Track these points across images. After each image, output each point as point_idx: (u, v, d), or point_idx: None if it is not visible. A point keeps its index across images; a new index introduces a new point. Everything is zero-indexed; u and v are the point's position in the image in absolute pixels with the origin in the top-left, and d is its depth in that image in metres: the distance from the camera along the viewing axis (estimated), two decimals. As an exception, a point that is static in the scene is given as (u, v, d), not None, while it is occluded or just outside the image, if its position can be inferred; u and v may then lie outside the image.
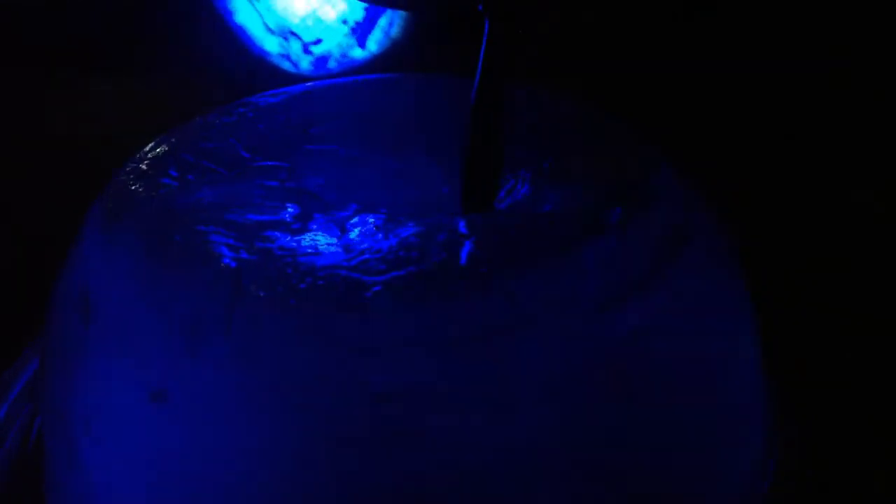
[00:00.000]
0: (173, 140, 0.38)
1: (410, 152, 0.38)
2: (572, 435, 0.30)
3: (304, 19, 0.59)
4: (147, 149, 0.38)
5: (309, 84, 0.42)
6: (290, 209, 0.34)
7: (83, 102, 0.63)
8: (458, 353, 0.29)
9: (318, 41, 0.59)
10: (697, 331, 0.33)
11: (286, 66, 0.60)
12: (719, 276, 0.35)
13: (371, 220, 0.33)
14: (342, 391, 0.28)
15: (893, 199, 0.56)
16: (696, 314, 0.33)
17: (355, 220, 0.34)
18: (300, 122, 0.39)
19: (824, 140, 0.58)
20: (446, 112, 0.38)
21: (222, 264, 0.31)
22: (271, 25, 0.59)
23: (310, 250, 0.31)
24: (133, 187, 0.35)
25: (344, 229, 0.33)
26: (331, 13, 0.59)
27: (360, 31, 0.59)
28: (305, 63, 0.60)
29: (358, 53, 0.60)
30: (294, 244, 0.32)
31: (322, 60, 0.60)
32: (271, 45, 0.60)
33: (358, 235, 0.32)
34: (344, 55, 0.60)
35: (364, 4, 0.58)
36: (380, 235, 0.32)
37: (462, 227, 0.32)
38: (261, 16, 0.59)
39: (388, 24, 0.58)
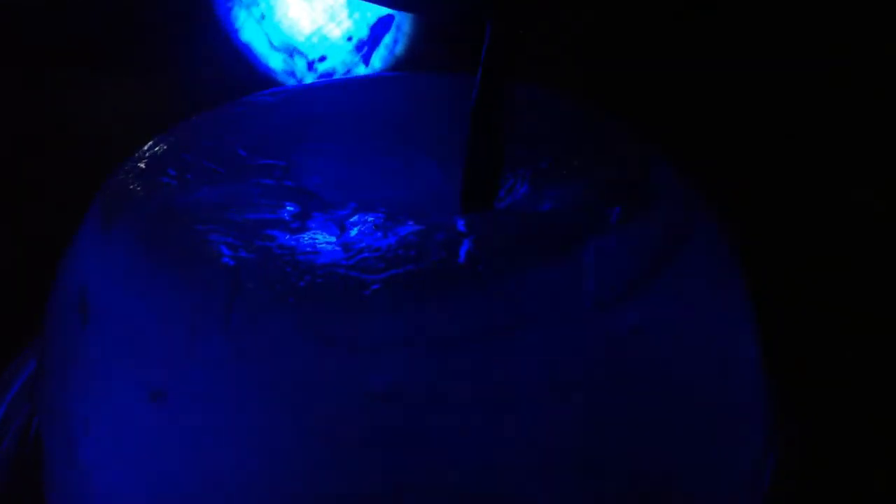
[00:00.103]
0: (172, 139, 0.38)
1: (410, 151, 0.38)
2: (572, 434, 0.30)
3: (309, 37, 0.59)
4: (146, 148, 0.38)
5: (307, 83, 0.42)
6: (288, 208, 0.34)
7: (83, 102, 0.63)
8: (457, 351, 0.29)
9: (322, 58, 0.60)
10: (697, 330, 0.33)
11: (291, 82, 0.61)
12: (719, 275, 0.35)
13: (370, 218, 0.33)
14: (340, 389, 0.28)
15: (893, 199, 0.56)
16: (696, 314, 0.33)
17: (354, 218, 0.34)
18: (299, 120, 0.39)
19: (824, 140, 0.58)
20: (446, 111, 0.38)
21: (221, 263, 0.31)
22: (276, 43, 0.59)
23: (309, 249, 0.31)
24: (131, 186, 0.35)
25: (343, 228, 0.33)
26: (336, 31, 0.59)
27: (365, 49, 0.59)
28: (310, 80, 0.61)
29: (362, 71, 0.60)
30: (293, 243, 0.32)
31: (326, 77, 0.61)
32: (276, 61, 0.60)
33: (357, 234, 0.32)
34: (348, 72, 0.60)
35: (369, 23, 0.58)
36: (379, 234, 0.32)
37: (461, 225, 0.32)
38: (266, 34, 0.59)
39: (393, 42, 0.59)
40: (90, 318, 0.32)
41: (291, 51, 0.59)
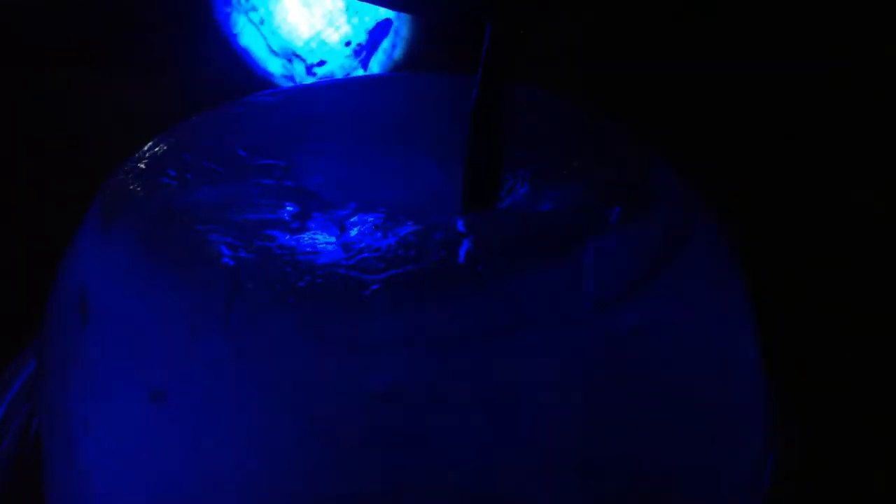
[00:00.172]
0: (172, 139, 0.38)
1: (410, 151, 0.38)
2: (572, 434, 0.30)
3: (307, 42, 0.60)
4: (146, 148, 0.38)
5: (307, 83, 0.42)
6: (288, 208, 0.34)
7: (83, 102, 0.63)
8: (456, 352, 0.29)
9: (321, 63, 0.60)
10: (697, 331, 0.33)
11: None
12: (719, 275, 0.35)
13: (370, 218, 0.33)
14: (340, 389, 0.28)
15: (893, 199, 0.56)
16: (695, 314, 0.33)
17: (354, 218, 0.34)
18: (299, 120, 0.39)
19: (824, 140, 0.58)
20: (446, 111, 0.38)
21: (221, 263, 0.31)
22: (275, 48, 0.60)
23: (309, 249, 0.31)
24: (131, 186, 0.35)
25: (343, 228, 0.33)
26: (334, 36, 0.59)
27: (363, 54, 0.60)
28: None
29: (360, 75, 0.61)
30: (293, 243, 0.32)
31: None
32: (275, 66, 0.60)
33: (357, 234, 0.32)
34: (347, 76, 0.61)
35: (367, 28, 0.59)
36: (379, 234, 0.32)
37: (461, 226, 0.32)
38: (265, 38, 0.59)
39: (391, 47, 0.59)
40: (90, 318, 0.32)
41: (290, 55, 0.60)
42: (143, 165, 0.36)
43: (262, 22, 0.59)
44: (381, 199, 0.35)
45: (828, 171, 0.57)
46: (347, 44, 0.59)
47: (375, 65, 0.60)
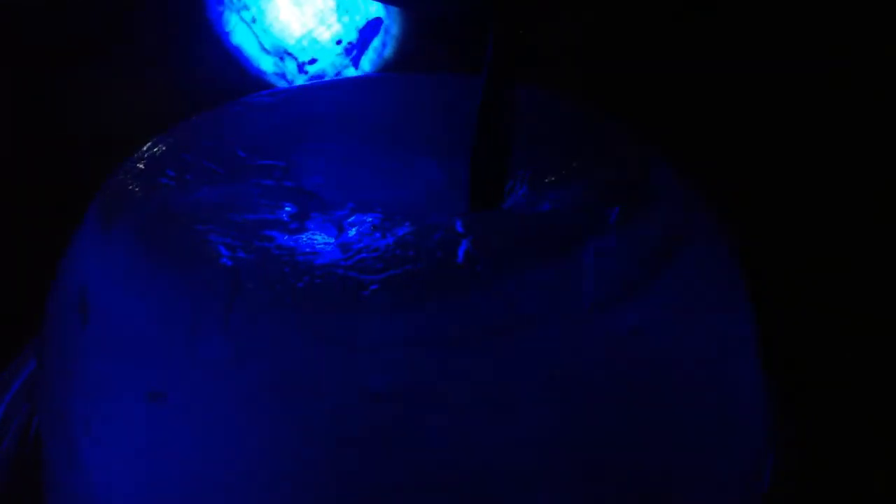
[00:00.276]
0: (171, 140, 0.38)
1: (408, 151, 0.38)
2: (572, 434, 0.30)
3: (299, 40, 0.60)
4: (145, 148, 0.38)
5: (306, 83, 0.42)
6: (287, 208, 0.34)
7: (82, 102, 0.63)
8: (455, 352, 0.29)
9: (313, 61, 0.60)
10: (697, 331, 0.33)
11: (282, 85, 0.62)
12: (719, 275, 0.35)
13: (369, 219, 0.33)
14: (339, 389, 0.28)
15: (893, 199, 0.56)
16: (695, 314, 0.33)
17: (353, 218, 0.34)
18: (298, 121, 0.39)
19: (824, 140, 0.58)
20: (444, 111, 0.38)
21: (220, 263, 0.31)
22: (267, 46, 0.60)
23: (307, 249, 0.31)
24: (131, 187, 0.35)
25: (341, 228, 0.33)
26: (325, 34, 0.60)
27: (354, 52, 0.60)
28: (300, 82, 0.62)
29: (352, 73, 0.61)
30: (292, 243, 0.32)
31: (317, 80, 0.61)
32: (267, 64, 0.61)
33: (355, 234, 0.32)
34: (338, 75, 0.61)
35: (357, 26, 0.59)
36: (377, 234, 0.32)
37: (459, 226, 0.32)
38: (257, 37, 0.60)
39: (382, 45, 0.59)
40: (90, 318, 0.32)
41: (282, 53, 0.60)
42: (142, 166, 0.36)
43: (253, 20, 0.59)
44: (380, 200, 0.35)
45: (828, 171, 0.57)
46: (338, 42, 0.60)
47: (366, 63, 0.60)
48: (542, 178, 0.35)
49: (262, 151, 0.37)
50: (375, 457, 0.28)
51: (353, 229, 0.33)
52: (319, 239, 0.32)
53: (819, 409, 0.42)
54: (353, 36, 0.60)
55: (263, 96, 0.41)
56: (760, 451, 0.36)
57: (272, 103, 0.40)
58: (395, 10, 0.59)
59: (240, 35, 0.59)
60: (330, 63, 0.60)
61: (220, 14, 0.59)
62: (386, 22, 0.60)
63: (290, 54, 0.60)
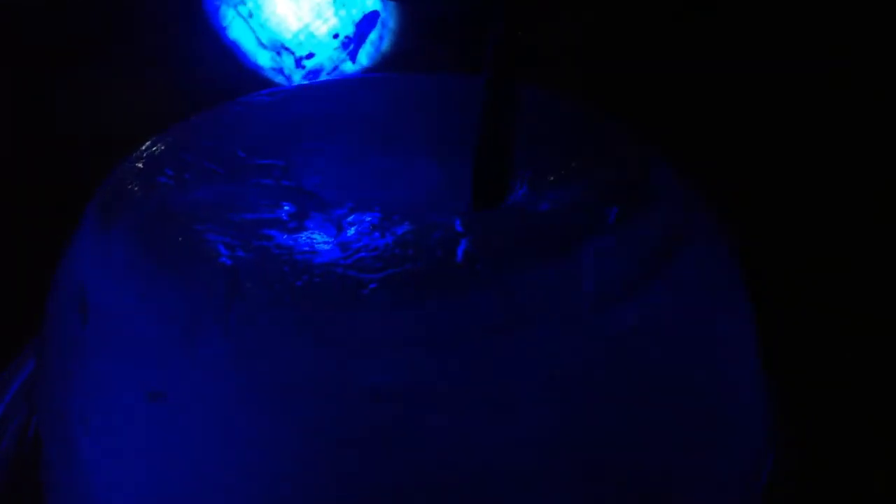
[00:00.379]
0: (170, 139, 0.38)
1: (408, 151, 0.38)
2: (572, 434, 0.29)
3: (296, 34, 0.60)
4: (144, 148, 0.38)
5: (305, 83, 0.42)
6: (286, 207, 0.34)
7: (82, 102, 0.63)
8: (455, 351, 0.29)
9: (310, 55, 0.60)
10: (697, 331, 0.33)
11: (279, 79, 0.62)
12: (719, 275, 0.35)
13: (368, 218, 0.33)
14: (339, 389, 0.28)
15: (893, 199, 0.56)
16: (695, 314, 0.33)
17: (352, 218, 0.34)
18: (298, 120, 0.39)
19: (824, 140, 0.58)
20: (444, 110, 0.38)
21: (219, 263, 0.31)
22: (264, 41, 0.60)
23: (306, 248, 0.31)
24: (130, 186, 0.35)
25: (340, 227, 0.33)
26: (322, 28, 0.60)
27: (351, 46, 0.60)
28: (298, 77, 0.62)
29: (349, 67, 0.61)
30: (291, 242, 0.32)
31: (314, 74, 0.61)
32: (264, 59, 0.61)
33: (354, 233, 0.32)
34: (335, 69, 0.61)
35: (354, 20, 0.59)
36: (376, 233, 0.32)
37: (459, 225, 0.32)
38: (254, 31, 0.60)
39: (379, 39, 0.59)
40: (90, 318, 0.32)
41: (279, 48, 0.60)
42: (141, 165, 0.36)
43: (250, 15, 0.59)
44: (380, 199, 0.35)
45: (828, 171, 0.57)
46: (335, 36, 0.60)
47: (363, 57, 0.60)
48: (542, 177, 0.35)
49: (261, 151, 0.37)
50: (375, 456, 0.28)
51: (353, 228, 0.33)
52: (318, 238, 0.32)
53: (819, 409, 0.42)
54: (349, 30, 0.60)
55: (263, 96, 0.41)
56: (760, 450, 0.36)
57: (271, 103, 0.40)
58: (391, 3, 0.59)
59: (237, 30, 0.59)
60: (327, 57, 0.60)
61: (217, 9, 0.59)
62: (382, 15, 0.60)
63: (287, 49, 0.60)
